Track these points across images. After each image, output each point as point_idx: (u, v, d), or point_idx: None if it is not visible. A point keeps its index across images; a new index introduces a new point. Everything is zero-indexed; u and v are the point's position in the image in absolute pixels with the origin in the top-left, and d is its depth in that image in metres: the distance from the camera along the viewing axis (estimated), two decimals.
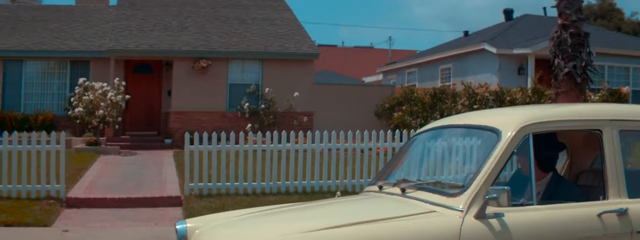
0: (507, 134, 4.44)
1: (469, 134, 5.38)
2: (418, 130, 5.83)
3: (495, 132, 4.52)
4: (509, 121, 4.60)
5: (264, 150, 12.97)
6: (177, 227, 4.96)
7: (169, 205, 12.28)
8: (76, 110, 19.51)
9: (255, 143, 13.00)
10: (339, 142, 13.42)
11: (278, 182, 12.96)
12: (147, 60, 23.35)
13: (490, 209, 4.16)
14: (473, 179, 4.31)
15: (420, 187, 4.71)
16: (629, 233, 4.39)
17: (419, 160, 5.63)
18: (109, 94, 19.39)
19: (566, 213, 4.38)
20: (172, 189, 13.30)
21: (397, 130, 13.92)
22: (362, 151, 13.48)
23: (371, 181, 5.70)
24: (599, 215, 4.36)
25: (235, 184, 12.80)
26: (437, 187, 4.68)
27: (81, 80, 20.03)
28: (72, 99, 20.07)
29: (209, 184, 12.69)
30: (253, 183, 12.86)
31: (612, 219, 4.39)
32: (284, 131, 13.25)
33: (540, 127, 4.57)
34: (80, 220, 10.95)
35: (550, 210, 4.39)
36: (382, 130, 13.83)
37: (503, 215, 4.15)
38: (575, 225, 4.33)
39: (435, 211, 4.26)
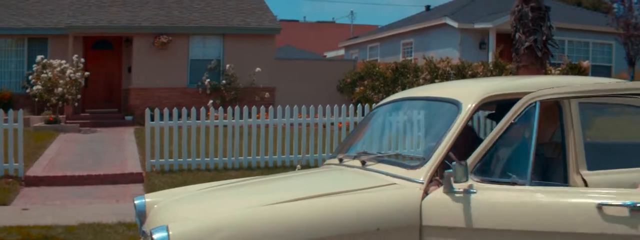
0: (468, 106, 4.40)
1: (430, 106, 5.34)
2: (378, 103, 5.80)
3: (456, 104, 4.47)
4: (470, 93, 4.56)
5: (225, 126, 12.93)
6: (136, 202, 4.89)
7: (130, 181, 12.21)
8: (34, 88, 19.24)
9: (216, 119, 12.94)
10: (301, 117, 13.41)
11: (240, 158, 12.93)
12: (107, 37, 23.02)
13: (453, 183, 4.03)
14: (433, 151, 4.26)
15: (380, 160, 4.68)
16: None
17: (379, 132, 5.61)
18: (68, 71, 19.13)
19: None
20: (133, 165, 13.21)
21: (359, 105, 13.93)
22: (324, 126, 13.48)
23: (332, 154, 5.67)
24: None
25: (197, 159, 12.74)
26: (398, 160, 4.65)
27: (39, 57, 19.72)
28: (30, 77, 19.78)
29: (170, 160, 12.62)
30: (215, 158, 12.82)
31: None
32: (245, 106, 13.19)
33: (501, 99, 4.54)
34: (40, 198, 10.83)
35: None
36: (344, 105, 13.83)
37: (454, 189, 4.03)
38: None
39: (395, 183, 4.23)
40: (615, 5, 27.15)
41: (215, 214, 3.99)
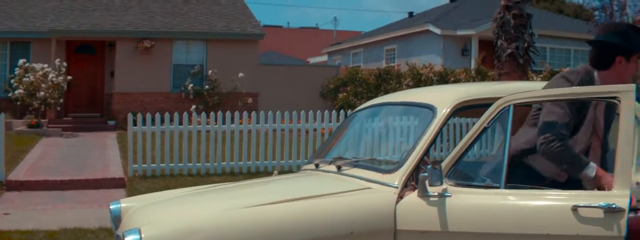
0: (443, 111, 4.43)
1: (406, 111, 5.38)
2: (356, 108, 5.84)
3: (431, 109, 4.50)
4: (445, 98, 4.58)
5: (208, 131, 12.95)
6: (111, 207, 4.91)
7: (113, 187, 12.17)
8: (16, 92, 19.18)
9: (199, 124, 12.95)
10: (283, 123, 13.44)
11: (222, 163, 12.95)
12: (90, 41, 22.98)
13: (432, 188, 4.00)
14: (408, 156, 4.28)
15: (356, 165, 4.69)
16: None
17: (357, 137, 5.64)
18: (50, 76, 19.09)
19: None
20: (116, 170, 13.18)
21: (342, 111, 13.99)
22: (307, 132, 13.52)
23: (308, 160, 5.69)
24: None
25: (180, 164, 12.75)
26: (373, 164, 4.68)
27: (21, 61, 19.67)
28: (12, 81, 19.70)
29: (152, 165, 12.62)
30: (197, 164, 12.83)
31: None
32: (228, 112, 13.21)
33: (475, 104, 4.57)
34: (21, 203, 10.79)
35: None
36: (326, 111, 13.87)
37: (428, 193, 4.00)
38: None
39: (370, 188, 4.25)
40: (596, 12, 27.32)
41: (189, 217, 3.99)
